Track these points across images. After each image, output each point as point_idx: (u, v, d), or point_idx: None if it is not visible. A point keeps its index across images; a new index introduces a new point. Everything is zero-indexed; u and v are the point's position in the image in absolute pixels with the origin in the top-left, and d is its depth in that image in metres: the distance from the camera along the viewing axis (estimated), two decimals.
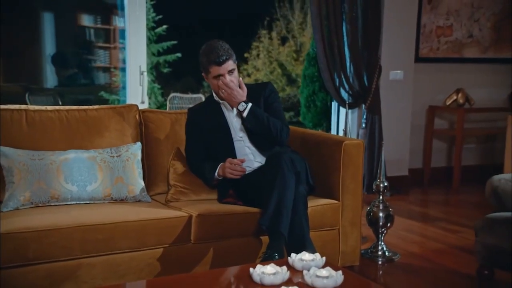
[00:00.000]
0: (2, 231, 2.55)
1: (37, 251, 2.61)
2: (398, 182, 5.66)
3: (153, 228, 2.86)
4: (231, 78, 3.17)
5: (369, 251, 3.79)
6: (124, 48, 4.99)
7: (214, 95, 3.33)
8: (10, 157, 2.96)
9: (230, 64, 3.16)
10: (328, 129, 6.57)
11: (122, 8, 4.88)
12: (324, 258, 2.31)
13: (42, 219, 2.72)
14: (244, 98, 3.16)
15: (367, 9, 5.32)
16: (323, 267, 2.22)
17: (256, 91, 3.32)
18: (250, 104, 3.15)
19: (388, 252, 3.75)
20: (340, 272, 2.13)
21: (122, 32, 5.93)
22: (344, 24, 5.33)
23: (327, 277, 2.09)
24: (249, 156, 3.26)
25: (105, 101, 8.51)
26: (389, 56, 5.57)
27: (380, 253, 3.74)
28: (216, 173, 3.19)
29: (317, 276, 2.10)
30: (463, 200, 5.45)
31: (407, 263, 3.67)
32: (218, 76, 3.17)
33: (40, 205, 2.93)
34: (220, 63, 3.12)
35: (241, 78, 3.22)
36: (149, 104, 10.29)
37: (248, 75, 11.61)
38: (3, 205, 2.86)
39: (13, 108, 3.18)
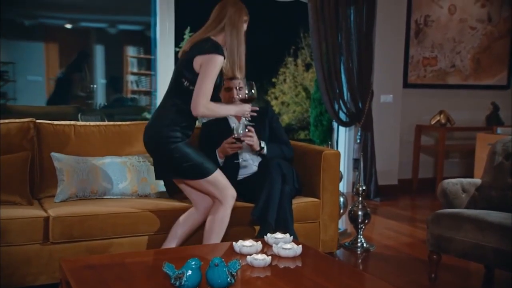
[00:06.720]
0: (54, 215, 3.02)
1: (80, 231, 3.05)
2: (388, 190, 6.00)
3: (168, 216, 3.23)
4: (239, 92, 3.53)
5: (350, 243, 4.19)
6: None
7: None
8: (61, 161, 3.41)
9: (240, 83, 3.58)
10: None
11: (155, 40, 5.24)
12: (291, 237, 2.73)
13: (84, 208, 3.14)
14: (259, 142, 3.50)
15: (361, 42, 5.67)
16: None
17: (261, 114, 3.66)
18: (265, 146, 3.53)
19: (366, 244, 4.14)
20: (300, 246, 2.57)
21: None
22: (340, 56, 5.66)
23: (289, 249, 2.54)
24: (249, 162, 3.62)
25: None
26: (380, 82, 5.90)
27: (359, 244, 4.11)
28: (218, 157, 3.49)
29: (283, 248, 2.56)
30: None
31: (380, 252, 4.04)
32: (228, 89, 3.59)
33: (83, 198, 3.35)
34: (232, 78, 3.52)
35: (252, 129, 3.44)
36: None
37: (276, 98, 11.84)
38: (56, 197, 3.33)
39: (65, 124, 3.63)
